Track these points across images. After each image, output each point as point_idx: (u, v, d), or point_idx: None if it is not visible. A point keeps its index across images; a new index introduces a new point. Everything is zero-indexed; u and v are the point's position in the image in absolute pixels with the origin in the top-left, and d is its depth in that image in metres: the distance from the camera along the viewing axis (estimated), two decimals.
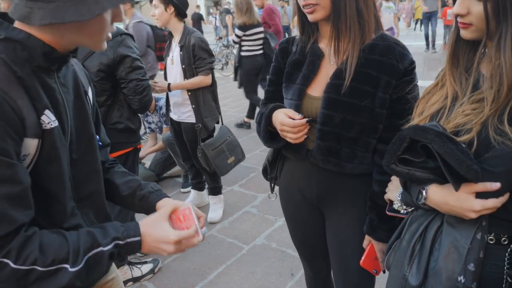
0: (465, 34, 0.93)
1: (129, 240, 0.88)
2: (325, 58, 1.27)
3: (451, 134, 0.89)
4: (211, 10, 35.15)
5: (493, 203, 0.84)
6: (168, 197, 1.09)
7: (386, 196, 1.19)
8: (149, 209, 1.07)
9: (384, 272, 1.34)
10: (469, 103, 0.92)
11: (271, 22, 5.23)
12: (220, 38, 11.90)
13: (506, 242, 0.89)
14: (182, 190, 3.64)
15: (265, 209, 3.17)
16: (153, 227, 0.92)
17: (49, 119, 0.83)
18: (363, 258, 1.33)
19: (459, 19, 0.93)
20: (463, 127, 0.90)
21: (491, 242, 0.89)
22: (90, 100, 1.05)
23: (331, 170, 1.29)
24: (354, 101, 1.18)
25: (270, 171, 1.54)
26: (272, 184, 1.56)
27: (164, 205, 1.04)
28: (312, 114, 1.26)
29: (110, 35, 0.89)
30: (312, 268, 1.60)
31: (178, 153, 3.52)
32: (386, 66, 1.17)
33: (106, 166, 1.15)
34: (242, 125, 5.30)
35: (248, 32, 4.74)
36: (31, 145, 0.80)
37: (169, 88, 2.71)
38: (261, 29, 4.80)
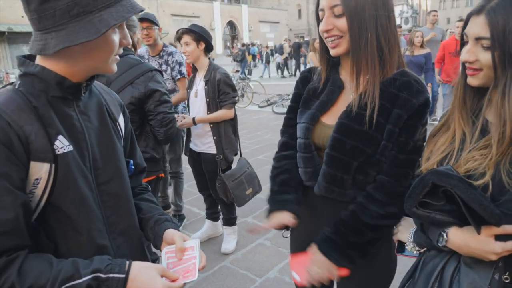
0: (472, 81, 1.00)
1: (111, 275, 0.86)
2: (345, 90, 1.29)
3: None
4: (227, 44, 36.31)
5: None
6: (178, 229, 1.10)
7: (395, 238, 1.22)
8: (157, 235, 1.09)
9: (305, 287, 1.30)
10: (478, 149, 0.97)
11: None
12: (237, 71, 12.26)
13: None
14: None
15: (278, 242, 3.19)
16: (143, 272, 0.90)
17: (62, 144, 0.88)
18: (297, 255, 1.31)
19: (468, 65, 0.99)
20: (474, 172, 0.95)
21: (506, 281, 0.91)
22: (120, 127, 1.11)
23: (336, 200, 1.29)
24: (367, 130, 1.19)
25: None
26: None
27: (171, 235, 1.05)
28: (321, 141, 1.28)
29: (117, 57, 0.95)
30: None
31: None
32: (401, 100, 1.18)
33: (136, 191, 1.19)
34: None
35: None
36: (41, 169, 0.85)
37: (194, 122, 2.82)
38: None
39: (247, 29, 42.49)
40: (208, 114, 2.83)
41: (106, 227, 0.99)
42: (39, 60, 0.90)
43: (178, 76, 3.36)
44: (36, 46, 0.84)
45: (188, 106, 3.00)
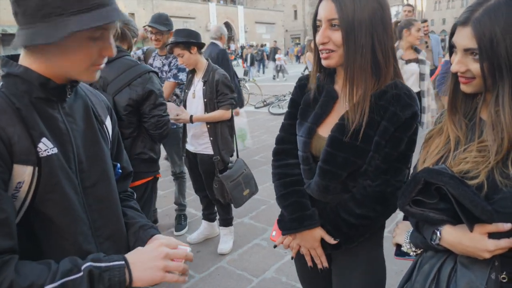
0: (466, 88, 1.00)
1: (110, 264, 0.85)
2: (339, 100, 1.31)
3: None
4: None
5: (506, 243, 0.88)
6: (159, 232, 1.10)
7: (393, 241, 1.23)
8: (141, 239, 1.07)
9: (275, 247, 1.49)
10: (470, 151, 0.98)
11: None
12: None
13: None
14: (176, 233, 3.46)
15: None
16: (138, 251, 0.92)
17: (46, 147, 0.86)
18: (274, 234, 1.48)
19: (460, 74, 1.00)
20: (467, 174, 0.95)
21: (504, 280, 0.92)
22: (107, 130, 1.08)
23: (329, 203, 1.34)
24: (358, 143, 1.23)
25: None
26: None
27: (155, 239, 1.04)
28: (318, 153, 1.31)
29: (101, 66, 0.92)
30: None
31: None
32: (389, 113, 1.21)
33: (121, 197, 1.16)
34: None
35: None
36: (24, 172, 0.82)
37: (191, 120, 2.83)
38: None
39: (243, 30, 42.52)
40: (205, 114, 2.83)
41: (92, 231, 0.97)
42: (22, 61, 0.88)
43: (171, 79, 3.36)
44: (13, 41, 0.84)
45: (185, 106, 3.00)
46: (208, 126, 2.85)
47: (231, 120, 2.94)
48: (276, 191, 1.44)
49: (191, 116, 2.82)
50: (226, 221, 3.16)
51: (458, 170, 0.97)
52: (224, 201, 2.88)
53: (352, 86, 1.23)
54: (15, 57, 0.91)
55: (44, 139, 0.86)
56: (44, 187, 0.86)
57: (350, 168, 1.26)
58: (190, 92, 2.93)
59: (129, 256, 0.90)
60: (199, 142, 2.93)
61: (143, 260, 0.89)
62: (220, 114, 2.83)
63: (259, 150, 5.98)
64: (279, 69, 18.34)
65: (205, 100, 2.81)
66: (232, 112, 2.92)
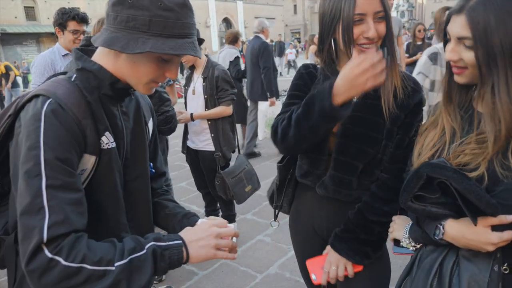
0: (459, 79, 1.00)
1: (170, 243, 0.92)
2: None
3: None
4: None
5: (509, 235, 0.87)
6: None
7: (391, 236, 1.22)
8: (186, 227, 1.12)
9: (320, 286, 1.34)
10: (468, 143, 0.97)
11: None
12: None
13: None
14: None
15: (278, 238, 3.20)
16: (191, 231, 0.98)
17: (108, 140, 0.95)
18: (313, 258, 1.35)
19: (452, 64, 1.00)
20: (466, 167, 0.94)
21: (506, 272, 0.92)
22: (149, 130, 1.17)
23: (341, 200, 1.32)
24: (370, 132, 1.24)
25: (277, 198, 1.55)
26: (276, 212, 1.58)
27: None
28: (331, 148, 1.29)
29: (158, 84, 0.99)
30: None
31: None
32: (397, 100, 1.23)
33: (159, 191, 1.25)
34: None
35: None
36: (89, 161, 0.92)
37: (192, 118, 2.83)
38: None
39: (243, 26, 42.39)
40: (206, 111, 2.83)
41: (128, 222, 1.06)
42: (98, 58, 0.96)
43: (170, 82, 3.34)
44: (95, 36, 0.93)
45: (185, 102, 3.00)
46: (209, 122, 2.84)
47: (232, 116, 2.93)
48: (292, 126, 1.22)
49: (191, 114, 2.82)
50: (229, 218, 3.15)
51: (457, 162, 0.96)
52: (226, 197, 2.88)
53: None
54: (84, 50, 0.99)
55: (107, 133, 0.95)
56: (99, 176, 0.95)
57: (364, 158, 1.25)
58: (190, 89, 2.92)
59: (184, 235, 0.96)
60: (200, 139, 2.92)
61: (197, 239, 0.95)
62: (220, 110, 2.82)
63: (260, 145, 5.98)
64: (291, 65, 17.74)
65: (206, 96, 2.80)
66: (232, 108, 2.92)
